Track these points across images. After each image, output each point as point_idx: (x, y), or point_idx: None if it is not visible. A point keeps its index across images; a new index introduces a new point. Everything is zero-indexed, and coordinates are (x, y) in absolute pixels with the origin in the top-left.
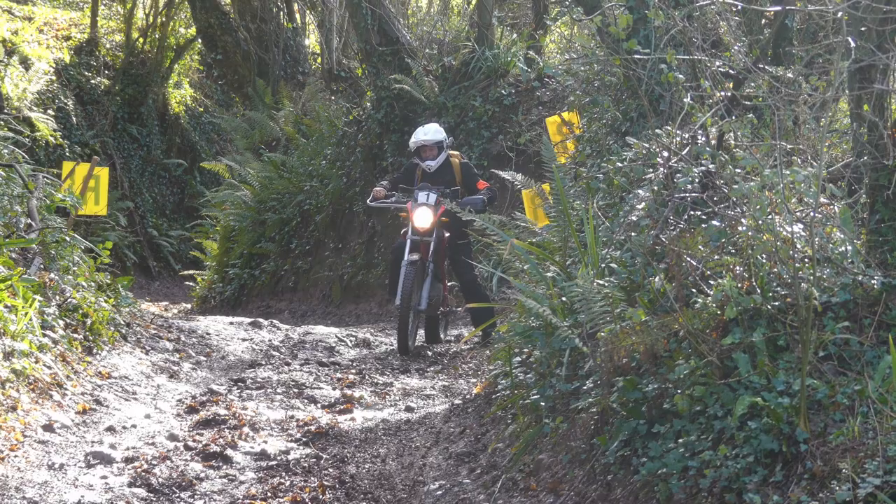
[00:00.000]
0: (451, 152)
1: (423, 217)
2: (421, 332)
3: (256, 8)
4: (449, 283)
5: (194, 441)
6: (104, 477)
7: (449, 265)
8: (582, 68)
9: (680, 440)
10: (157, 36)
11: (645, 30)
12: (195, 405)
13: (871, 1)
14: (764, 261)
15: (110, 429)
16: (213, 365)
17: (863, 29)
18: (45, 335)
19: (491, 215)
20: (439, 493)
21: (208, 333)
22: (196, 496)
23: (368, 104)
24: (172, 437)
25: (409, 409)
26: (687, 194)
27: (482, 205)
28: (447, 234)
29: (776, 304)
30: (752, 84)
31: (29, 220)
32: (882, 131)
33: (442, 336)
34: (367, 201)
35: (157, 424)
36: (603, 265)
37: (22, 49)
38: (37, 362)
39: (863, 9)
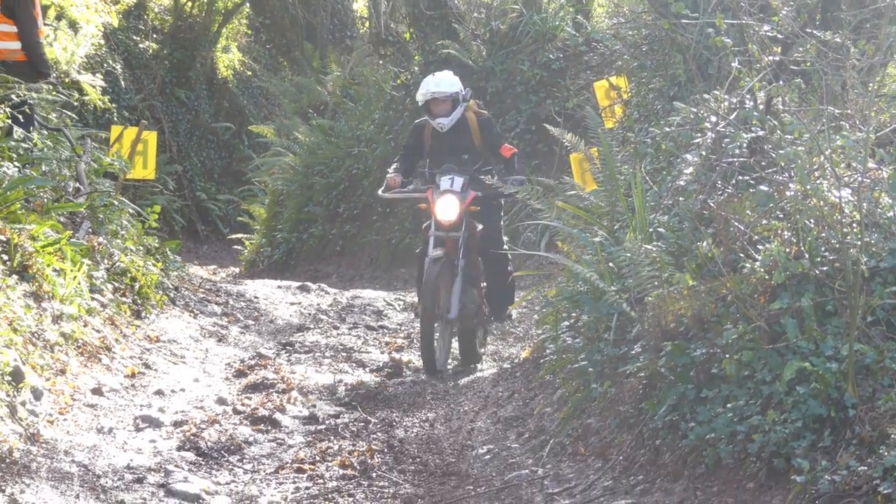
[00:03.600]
0: (469, 104)
1: (447, 208)
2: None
3: None
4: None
5: (243, 405)
6: (153, 440)
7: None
8: (630, 32)
9: (728, 405)
10: (204, 0)
11: None
12: (243, 369)
13: None
14: (812, 226)
15: (159, 392)
16: (261, 329)
17: None
18: (93, 299)
19: (537, 182)
20: (487, 457)
21: (256, 297)
22: (245, 460)
23: (416, 68)
24: (221, 401)
25: (456, 373)
26: (735, 159)
27: (522, 184)
28: (480, 227)
29: (824, 269)
30: (800, 49)
31: (77, 184)
32: None
33: (480, 351)
34: (380, 192)
35: (206, 388)
36: (651, 230)
37: (70, 13)
38: (85, 326)
39: None
